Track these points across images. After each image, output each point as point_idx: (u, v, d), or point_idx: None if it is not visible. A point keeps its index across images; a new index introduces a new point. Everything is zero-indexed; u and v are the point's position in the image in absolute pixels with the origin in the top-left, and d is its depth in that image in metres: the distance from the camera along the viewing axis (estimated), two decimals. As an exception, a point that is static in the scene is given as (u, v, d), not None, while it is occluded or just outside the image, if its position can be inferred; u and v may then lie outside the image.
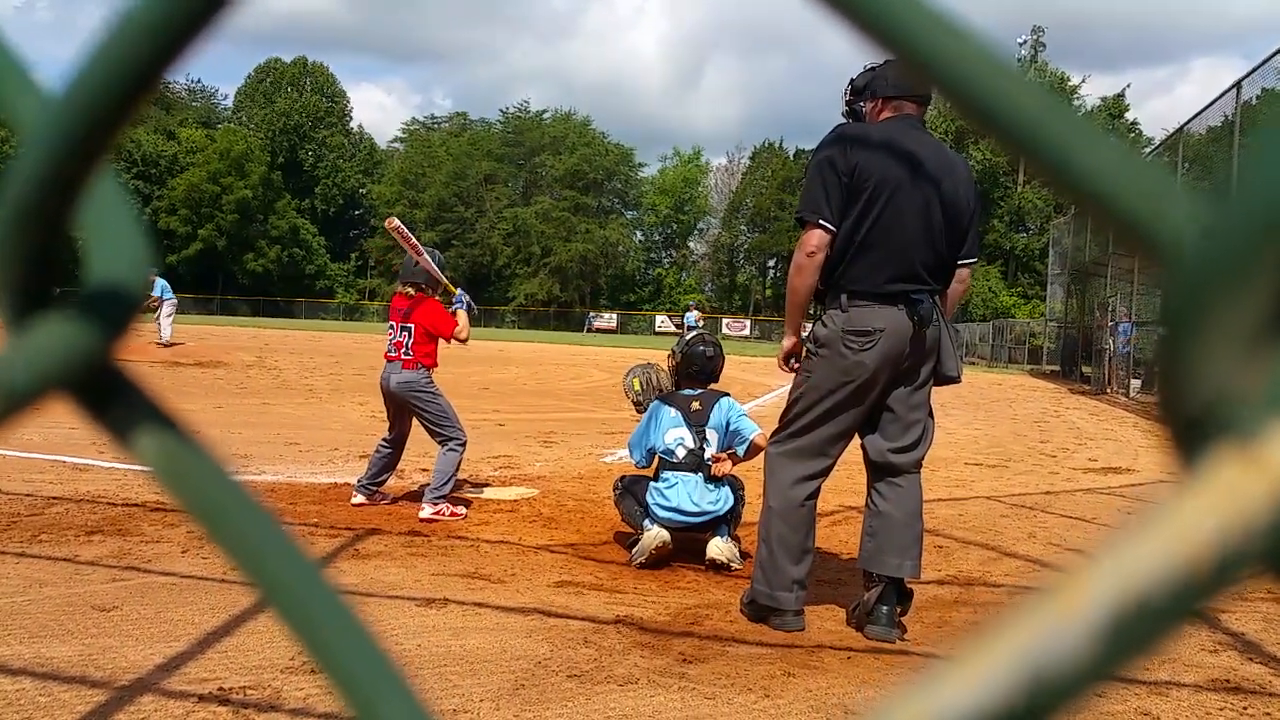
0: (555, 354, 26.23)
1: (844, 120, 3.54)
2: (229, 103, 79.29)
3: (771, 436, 3.44)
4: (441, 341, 5.06)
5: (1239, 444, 0.19)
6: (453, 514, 4.76)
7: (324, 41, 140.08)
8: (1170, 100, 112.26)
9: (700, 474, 4.20)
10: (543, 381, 15.59)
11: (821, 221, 3.17)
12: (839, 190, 3.17)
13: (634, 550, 4.12)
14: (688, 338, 4.67)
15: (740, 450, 4.23)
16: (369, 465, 5.06)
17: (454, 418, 4.97)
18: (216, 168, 65.26)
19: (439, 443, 4.94)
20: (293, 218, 70.25)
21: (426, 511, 4.72)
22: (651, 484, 4.24)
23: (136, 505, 4.55)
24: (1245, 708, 2.67)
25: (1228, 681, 2.85)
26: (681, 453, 4.23)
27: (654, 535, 4.06)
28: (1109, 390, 18.32)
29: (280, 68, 77.34)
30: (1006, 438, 9.83)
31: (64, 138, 0.25)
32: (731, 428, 4.29)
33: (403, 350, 4.93)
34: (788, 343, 3.44)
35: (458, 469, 4.91)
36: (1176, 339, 0.19)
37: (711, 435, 4.28)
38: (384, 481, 5.07)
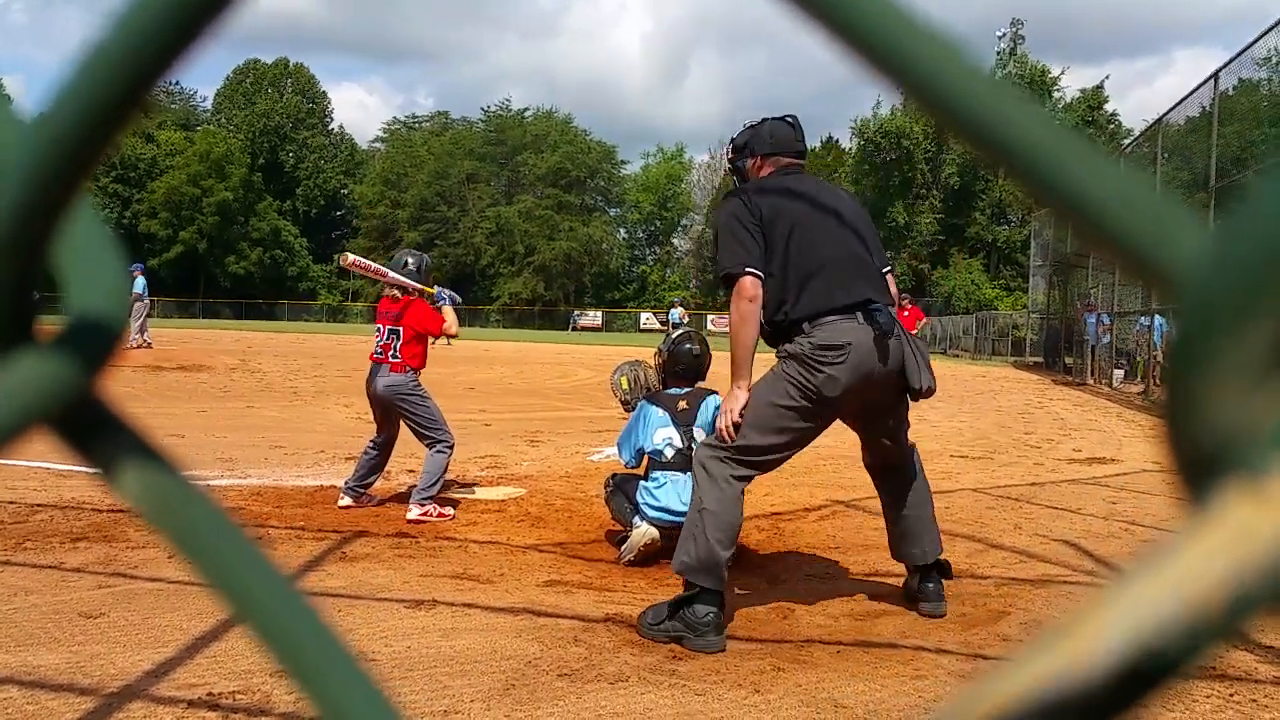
0: (540, 353, 26.20)
1: (729, 172, 3.70)
2: (208, 104, 78.83)
3: (716, 444, 3.25)
4: (432, 340, 5.06)
5: (1249, 481, 0.18)
6: (440, 515, 4.75)
7: (304, 41, 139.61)
8: (1151, 91, 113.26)
9: (689, 474, 4.19)
10: (528, 380, 15.56)
11: (749, 269, 3.17)
12: (754, 238, 3.21)
13: (623, 548, 4.12)
14: (674, 336, 4.66)
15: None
16: (356, 467, 5.04)
17: (441, 420, 4.96)
18: (196, 170, 64.87)
19: (426, 445, 4.93)
20: (274, 219, 69.91)
21: (414, 513, 4.70)
22: (641, 483, 4.24)
23: (122, 511, 4.52)
24: (1231, 695, 2.69)
25: (1213, 668, 2.87)
26: (670, 453, 4.23)
27: (642, 532, 4.06)
28: (1092, 381, 18.43)
29: (260, 69, 76.89)
30: (991, 430, 9.87)
31: (42, 167, 0.24)
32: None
33: (390, 353, 4.92)
34: (741, 396, 3.20)
35: (445, 470, 4.90)
36: (1184, 373, 0.18)
37: (699, 434, 4.27)
38: (371, 484, 5.05)
